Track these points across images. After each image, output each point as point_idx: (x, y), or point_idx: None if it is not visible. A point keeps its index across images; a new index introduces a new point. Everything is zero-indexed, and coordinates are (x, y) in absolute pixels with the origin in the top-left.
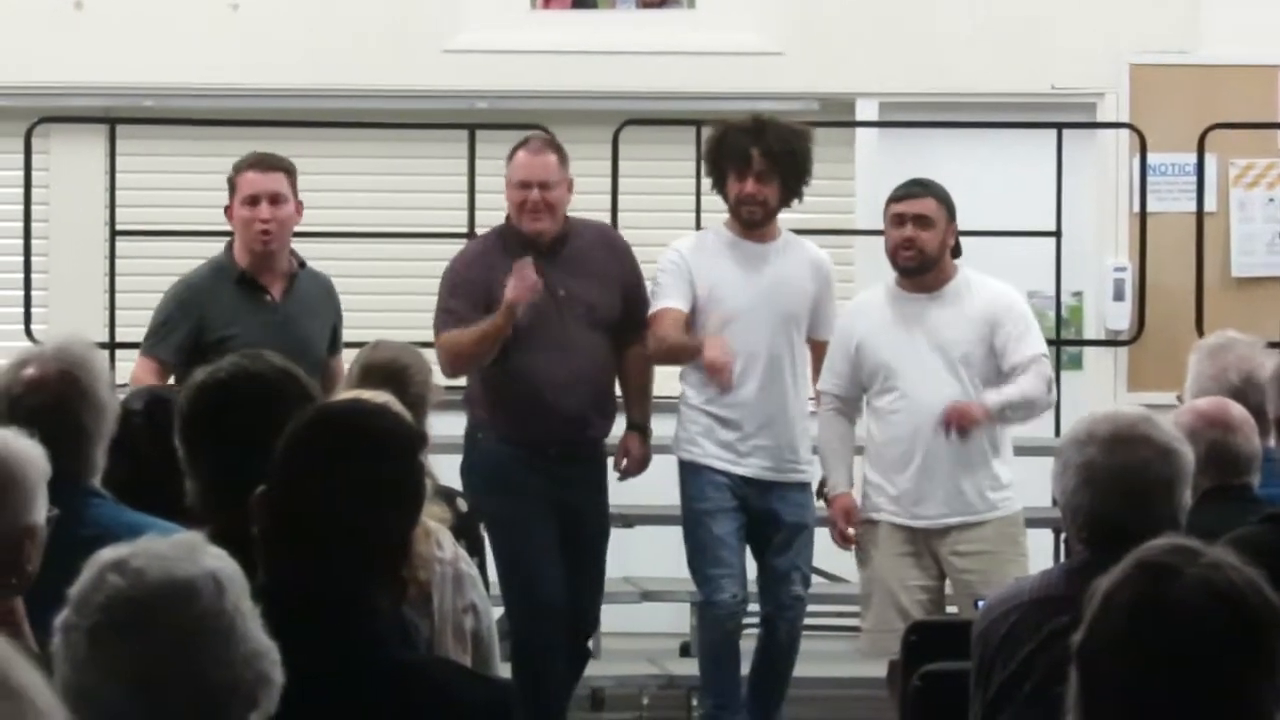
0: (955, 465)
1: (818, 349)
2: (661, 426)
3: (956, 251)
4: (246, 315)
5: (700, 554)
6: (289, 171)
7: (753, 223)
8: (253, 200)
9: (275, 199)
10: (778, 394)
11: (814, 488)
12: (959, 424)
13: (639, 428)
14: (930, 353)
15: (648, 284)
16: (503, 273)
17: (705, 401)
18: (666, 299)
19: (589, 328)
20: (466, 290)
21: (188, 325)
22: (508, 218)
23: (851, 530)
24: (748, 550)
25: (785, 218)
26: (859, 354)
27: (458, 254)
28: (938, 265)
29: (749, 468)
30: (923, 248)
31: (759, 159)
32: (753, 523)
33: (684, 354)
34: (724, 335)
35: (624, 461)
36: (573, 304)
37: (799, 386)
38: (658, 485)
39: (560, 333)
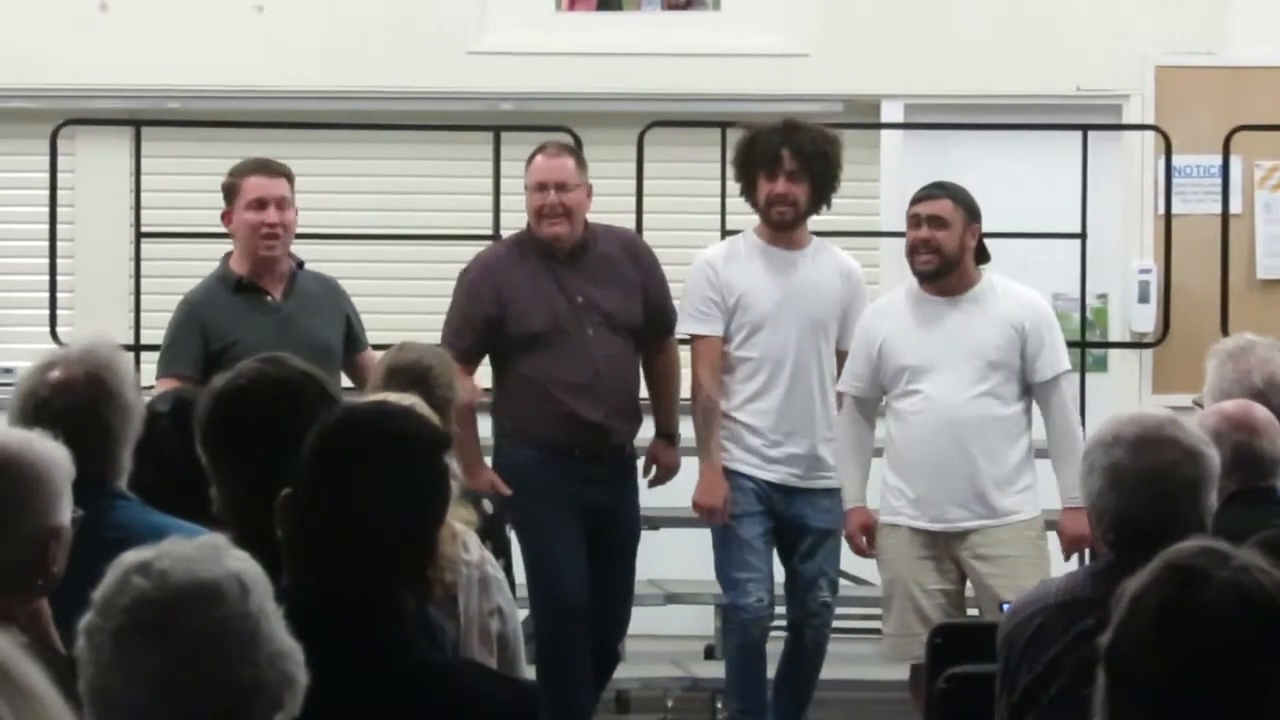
0: (976, 468)
1: (844, 358)
2: (688, 429)
3: (985, 256)
4: (249, 320)
5: (727, 558)
6: (290, 177)
7: (783, 224)
8: (260, 204)
9: (280, 203)
10: (805, 401)
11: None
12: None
13: (667, 435)
14: (955, 356)
15: (675, 290)
16: (519, 280)
17: (733, 407)
18: (702, 324)
19: (609, 333)
20: (475, 306)
21: (195, 340)
22: (528, 225)
23: (866, 541)
24: (775, 555)
25: (810, 220)
26: (881, 356)
27: (474, 259)
28: (958, 269)
29: (776, 473)
30: (939, 248)
31: (790, 159)
32: (780, 528)
33: (705, 444)
34: (751, 345)
35: (653, 469)
36: (590, 311)
37: (827, 393)
38: (683, 488)
39: (578, 339)
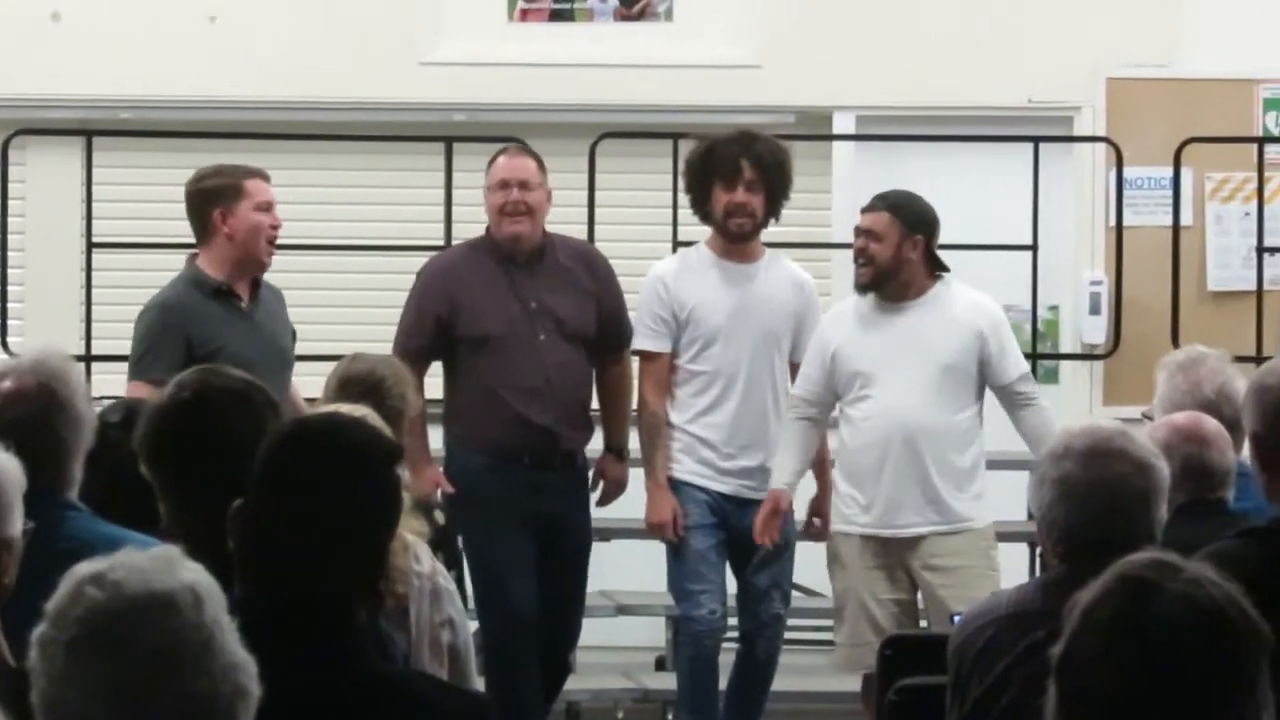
0: (928, 475)
1: (797, 371)
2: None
3: (938, 264)
4: (229, 325)
5: (680, 570)
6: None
7: (741, 235)
8: (268, 206)
9: (272, 207)
10: (758, 414)
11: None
12: None
13: (616, 450)
14: (907, 362)
15: (630, 301)
16: (473, 282)
17: (685, 420)
18: (650, 340)
19: (561, 340)
20: (428, 305)
21: (177, 345)
22: (486, 229)
23: (763, 526)
24: (728, 567)
25: (764, 231)
26: (834, 362)
27: (430, 261)
28: (896, 279)
29: (728, 485)
30: (872, 259)
31: (750, 168)
32: (733, 540)
33: (650, 462)
34: (704, 359)
35: (600, 485)
36: (543, 316)
37: (780, 406)
38: (634, 499)
39: (530, 344)
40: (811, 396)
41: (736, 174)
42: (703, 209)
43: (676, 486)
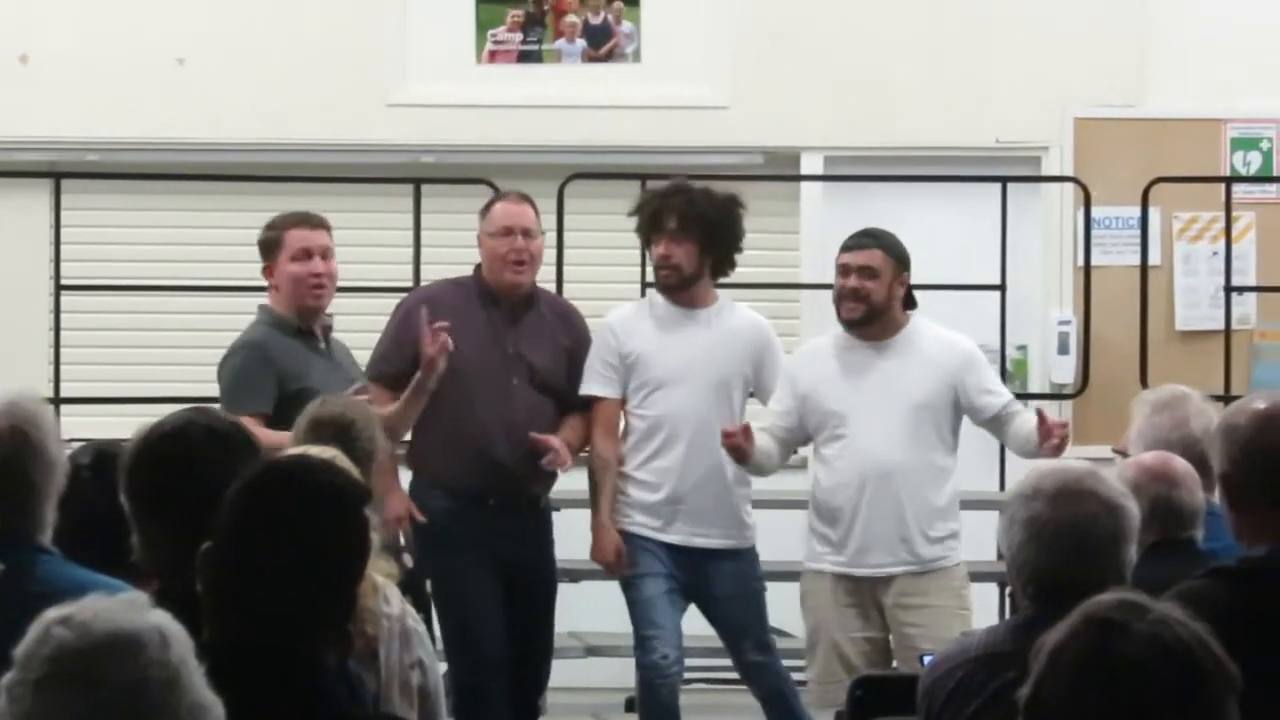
0: (902, 515)
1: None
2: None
3: (912, 303)
4: (313, 363)
5: (634, 616)
6: (329, 228)
7: (668, 286)
8: (305, 254)
9: (325, 254)
10: (708, 460)
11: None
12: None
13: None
14: (881, 402)
15: None
16: (454, 318)
17: (633, 467)
18: (598, 386)
19: (531, 388)
20: (406, 333)
21: (268, 382)
22: (477, 269)
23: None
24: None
25: (736, 271)
26: (806, 403)
27: (414, 291)
28: (884, 316)
29: (676, 535)
30: (867, 297)
31: (672, 221)
32: (688, 591)
33: (595, 502)
34: (650, 404)
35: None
36: (519, 363)
37: None
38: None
39: (502, 386)
40: (782, 433)
41: (660, 228)
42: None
43: (626, 537)
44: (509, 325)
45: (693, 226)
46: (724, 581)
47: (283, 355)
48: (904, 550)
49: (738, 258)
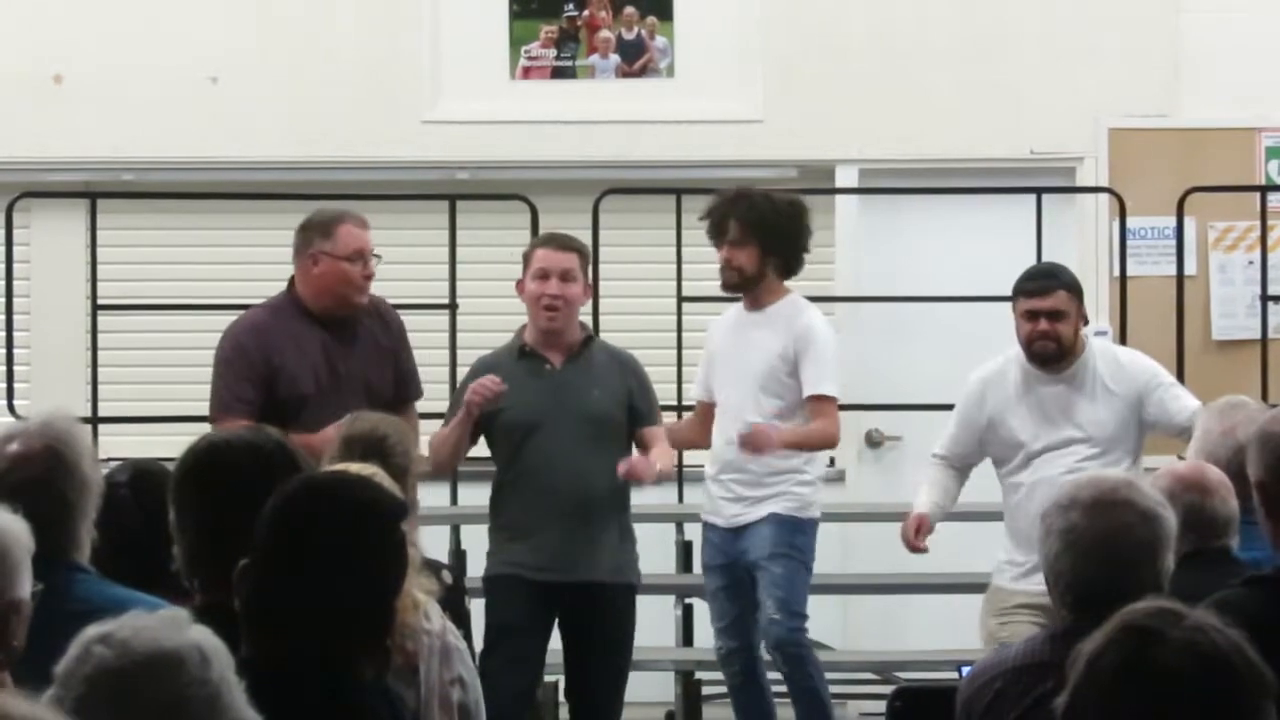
0: None
1: (811, 405)
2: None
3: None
4: (524, 384)
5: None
6: (581, 252)
7: (731, 287)
8: (543, 275)
9: (564, 275)
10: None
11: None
12: None
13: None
14: (1067, 433)
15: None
16: (301, 348)
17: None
18: (697, 388)
19: (369, 405)
20: (248, 363)
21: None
22: (290, 286)
23: (915, 537)
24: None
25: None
26: (990, 429)
27: (239, 322)
28: (1072, 351)
29: (722, 516)
30: (1058, 339)
31: (733, 226)
32: (737, 572)
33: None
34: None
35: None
36: (352, 381)
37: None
38: (642, 555)
39: (344, 408)
40: (953, 457)
41: (723, 233)
42: None
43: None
44: (339, 345)
45: (753, 231)
46: (755, 548)
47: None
48: None
49: (805, 257)
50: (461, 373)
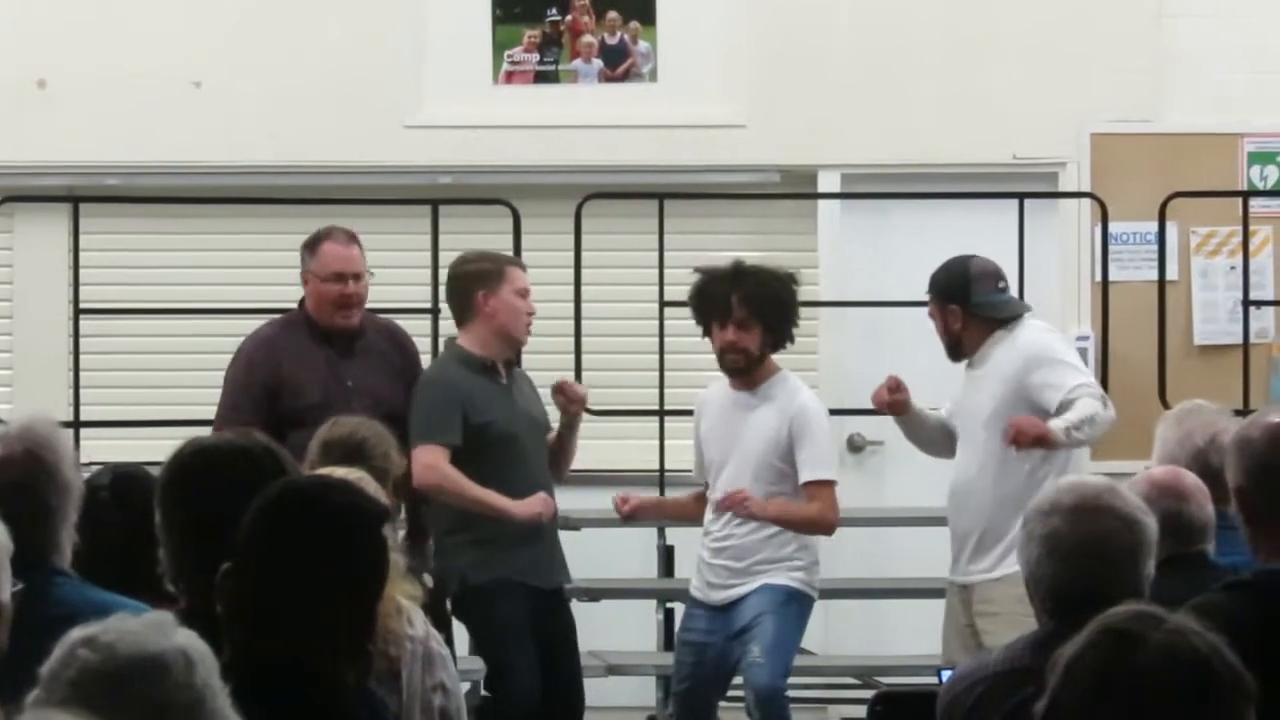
0: None
1: (808, 490)
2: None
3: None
4: (496, 399)
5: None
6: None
7: (736, 370)
8: (522, 294)
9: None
10: (740, 523)
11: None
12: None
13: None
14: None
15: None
16: (304, 362)
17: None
18: (697, 474)
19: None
20: (255, 379)
21: (456, 415)
22: (302, 302)
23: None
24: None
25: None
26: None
27: (253, 335)
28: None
29: (713, 594)
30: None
31: (738, 306)
32: (714, 654)
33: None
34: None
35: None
36: (359, 395)
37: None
38: (624, 559)
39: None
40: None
41: (727, 313)
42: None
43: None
44: (342, 359)
45: (759, 310)
46: (743, 617)
47: (470, 390)
48: None
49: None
50: None
